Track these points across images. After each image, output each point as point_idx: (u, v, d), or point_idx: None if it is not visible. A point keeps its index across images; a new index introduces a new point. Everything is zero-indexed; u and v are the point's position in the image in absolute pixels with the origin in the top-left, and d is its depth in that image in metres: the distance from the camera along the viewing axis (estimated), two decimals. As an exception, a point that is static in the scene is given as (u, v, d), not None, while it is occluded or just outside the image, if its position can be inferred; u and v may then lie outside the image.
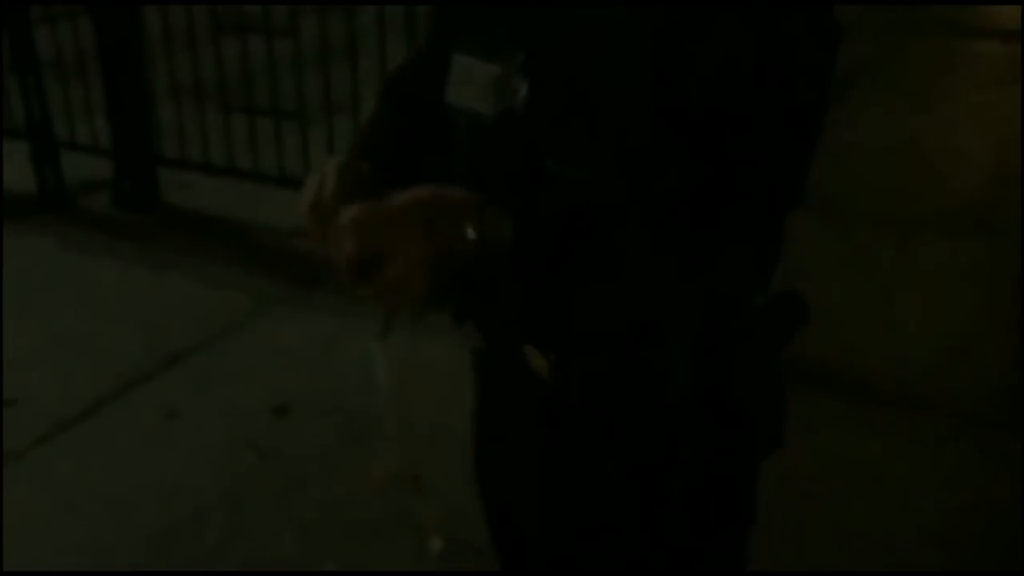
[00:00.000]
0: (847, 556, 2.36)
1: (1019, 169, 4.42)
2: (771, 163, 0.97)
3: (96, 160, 4.43)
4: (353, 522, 2.48)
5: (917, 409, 2.93)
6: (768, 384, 1.17)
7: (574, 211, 0.95)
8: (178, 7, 4.07)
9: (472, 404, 1.33)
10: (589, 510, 1.19)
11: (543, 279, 0.95)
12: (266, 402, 2.96)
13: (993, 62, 6.34)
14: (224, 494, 2.60)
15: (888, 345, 3.25)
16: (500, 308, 1.12)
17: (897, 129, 5.11)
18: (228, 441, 2.81)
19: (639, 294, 1.01)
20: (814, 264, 3.37)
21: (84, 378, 3.10)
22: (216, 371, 3.18)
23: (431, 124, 1.17)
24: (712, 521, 1.17)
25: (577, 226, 0.94)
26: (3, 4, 4.32)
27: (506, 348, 1.17)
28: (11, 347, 3.25)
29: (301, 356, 3.22)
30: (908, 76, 6.06)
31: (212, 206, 4.30)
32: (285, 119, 3.95)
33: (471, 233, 0.88)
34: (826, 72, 0.99)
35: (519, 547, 1.34)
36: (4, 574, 2.33)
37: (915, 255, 3.87)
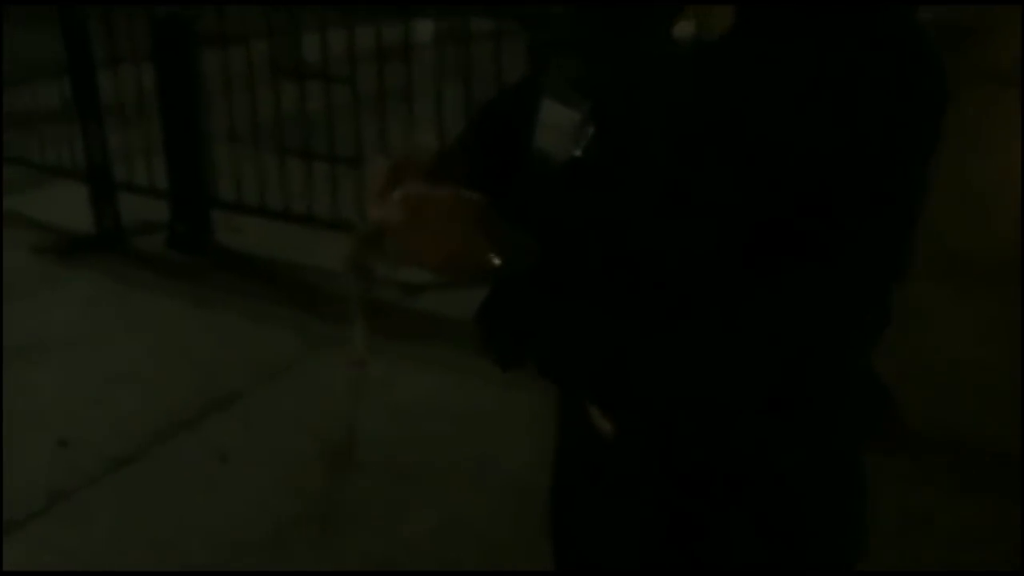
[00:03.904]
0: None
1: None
2: (849, 226, 0.92)
3: (153, 202, 4.50)
4: (397, 573, 2.45)
5: (959, 454, 2.89)
6: (848, 478, 1.10)
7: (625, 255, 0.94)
8: (238, 52, 4.13)
9: (553, 445, 1.28)
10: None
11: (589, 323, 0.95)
12: (314, 445, 2.94)
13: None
14: (269, 539, 2.58)
15: (932, 390, 3.18)
16: (551, 356, 1.04)
17: (942, 174, 5.04)
18: (275, 485, 2.79)
19: (701, 357, 0.93)
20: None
21: (136, 418, 3.10)
22: (266, 413, 3.18)
23: (512, 164, 1.12)
24: None
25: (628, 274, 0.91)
26: (68, 52, 4.43)
27: (574, 403, 1.13)
28: (66, 386, 3.28)
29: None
30: (953, 123, 6.00)
31: (265, 248, 4.33)
32: (341, 164, 3.98)
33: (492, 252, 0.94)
34: (923, 139, 0.95)
35: None
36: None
37: (962, 303, 3.80)
